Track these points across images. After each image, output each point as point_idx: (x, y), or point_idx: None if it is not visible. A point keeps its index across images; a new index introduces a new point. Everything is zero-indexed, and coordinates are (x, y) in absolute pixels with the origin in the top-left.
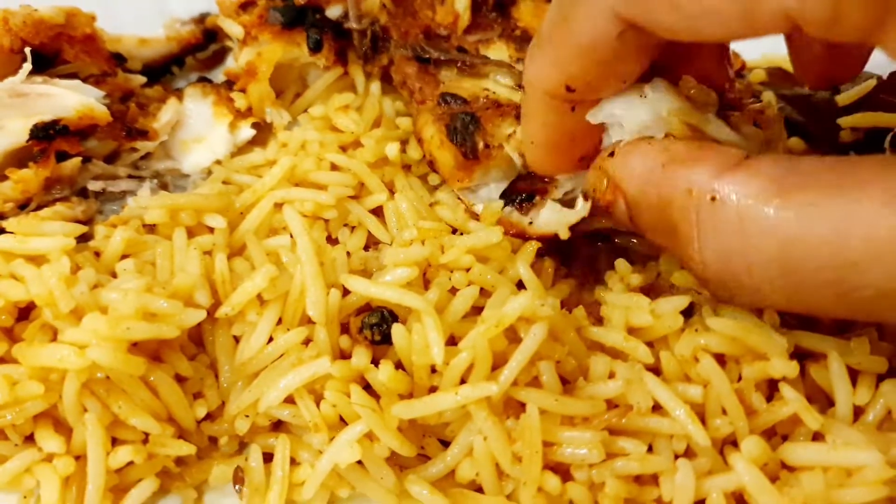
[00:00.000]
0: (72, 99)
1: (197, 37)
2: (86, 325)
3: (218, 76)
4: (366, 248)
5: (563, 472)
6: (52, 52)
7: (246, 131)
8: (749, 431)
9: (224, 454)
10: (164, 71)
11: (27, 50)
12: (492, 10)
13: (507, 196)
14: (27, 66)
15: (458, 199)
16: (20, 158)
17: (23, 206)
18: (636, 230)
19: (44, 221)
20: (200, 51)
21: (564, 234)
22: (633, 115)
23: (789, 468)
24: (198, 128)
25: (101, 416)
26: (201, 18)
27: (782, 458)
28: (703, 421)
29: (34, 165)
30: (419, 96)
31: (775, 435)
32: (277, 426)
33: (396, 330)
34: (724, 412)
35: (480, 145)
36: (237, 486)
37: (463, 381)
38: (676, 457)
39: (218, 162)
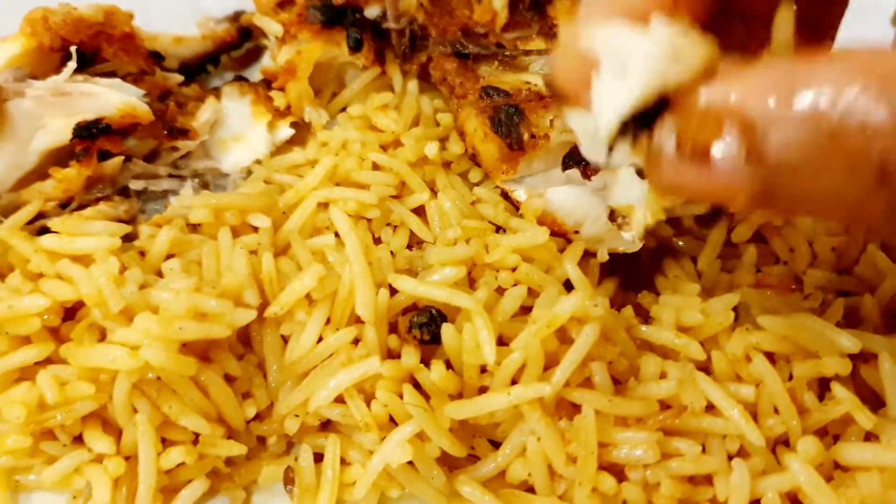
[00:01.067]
0: (114, 98)
1: (232, 35)
2: (137, 325)
3: (252, 75)
4: (408, 247)
5: (617, 472)
6: (90, 50)
7: (285, 130)
8: (801, 431)
9: (272, 454)
10: (199, 70)
11: (73, 49)
12: (528, 9)
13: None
14: (72, 65)
15: (502, 190)
16: (61, 157)
17: (64, 206)
18: (755, 185)
19: (88, 221)
20: (235, 49)
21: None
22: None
23: (843, 468)
24: (236, 127)
25: (152, 416)
26: (235, 17)
27: (836, 458)
28: (755, 420)
29: (77, 164)
30: (460, 90)
31: (826, 434)
32: (325, 426)
33: (446, 330)
34: (777, 411)
35: (525, 136)
36: (288, 487)
37: (513, 382)
38: (730, 457)
39: (258, 161)
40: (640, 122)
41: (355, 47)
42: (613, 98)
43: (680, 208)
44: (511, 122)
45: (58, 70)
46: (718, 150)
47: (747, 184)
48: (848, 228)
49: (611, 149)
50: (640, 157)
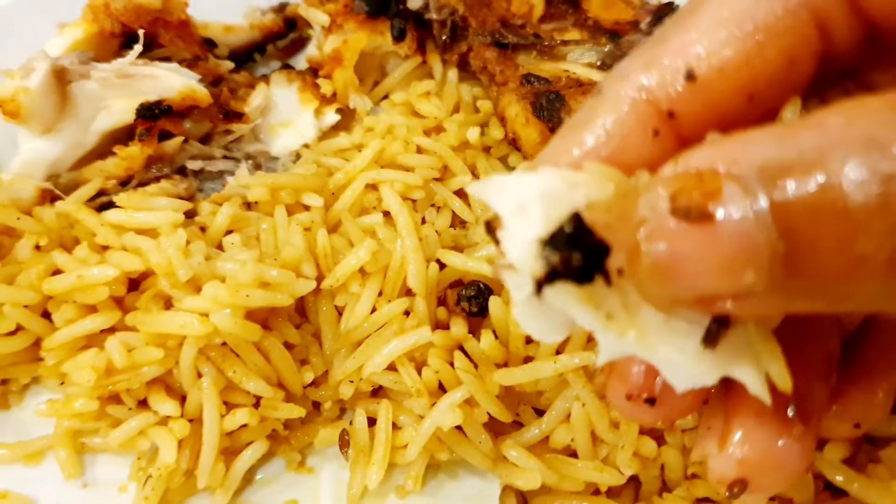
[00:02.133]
0: (175, 81)
1: (279, 25)
2: (206, 293)
3: (296, 63)
4: (451, 227)
5: (657, 436)
6: (148, 36)
7: (331, 116)
8: None
9: (327, 419)
10: (246, 58)
11: (140, 31)
12: (563, 2)
13: None
14: (138, 48)
15: None
16: (119, 139)
17: (123, 184)
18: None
19: (152, 197)
20: (281, 39)
21: None
22: None
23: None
24: (285, 112)
25: (216, 380)
26: (281, 7)
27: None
28: None
29: (139, 143)
30: (500, 78)
31: None
32: (377, 392)
33: (494, 302)
34: None
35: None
36: (343, 449)
37: (557, 353)
38: None
39: (306, 145)
40: (582, 267)
41: (399, 37)
42: (518, 234)
43: None
44: (553, 107)
45: (118, 54)
46: (719, 206)
47: (763, 242)
48: None
49: (540, 288)
50: (589, 304)
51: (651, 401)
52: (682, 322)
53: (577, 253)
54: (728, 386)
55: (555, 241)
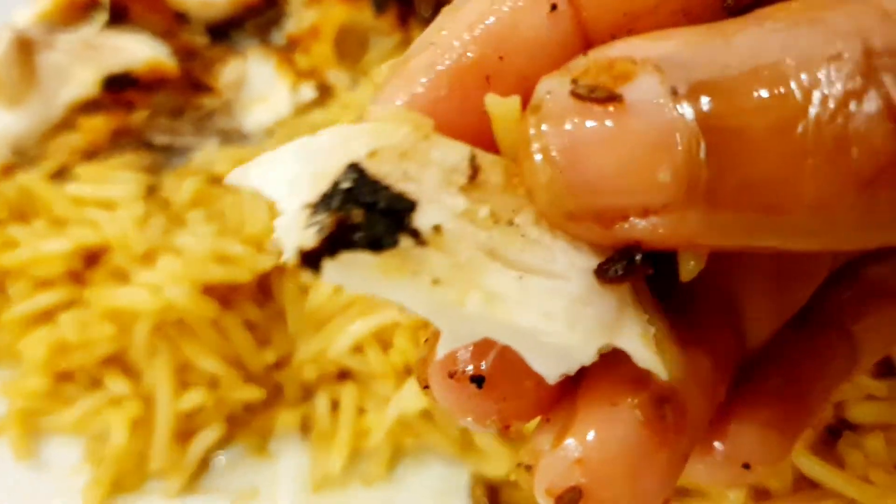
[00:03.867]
0: (143, 51)
1: None
2: (161, 266)
3: (276, 40)
4: None
5: None
6: (118, 7)
7: (307, 92)
8: None
9: (290, 402)
10: (223, 33)
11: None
12: None
13: None
14: (102, 16)
15: None
16: (86, 112)
17: (88, 159)
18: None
19: (114, 170)
20: (259, 14)
21: None
22: None
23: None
24: (260, 88)
25: (171, 358)
26: None
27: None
28: None
29: (104, 115)
30: None
31: None
32: (343, 376)
33: None
34: None
35: None
36: (304, 433)
37: None
38: None
39: (280, 122)
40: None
41: (380, 10)
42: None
43: None
44: None
45: (86, 25)
46: (631, 89)
47: (681, 132)
48: None
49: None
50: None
51: (478, 380)
52: (556, 269)
53: (359, 209)
54: (579, 373)
55: (328, 201)
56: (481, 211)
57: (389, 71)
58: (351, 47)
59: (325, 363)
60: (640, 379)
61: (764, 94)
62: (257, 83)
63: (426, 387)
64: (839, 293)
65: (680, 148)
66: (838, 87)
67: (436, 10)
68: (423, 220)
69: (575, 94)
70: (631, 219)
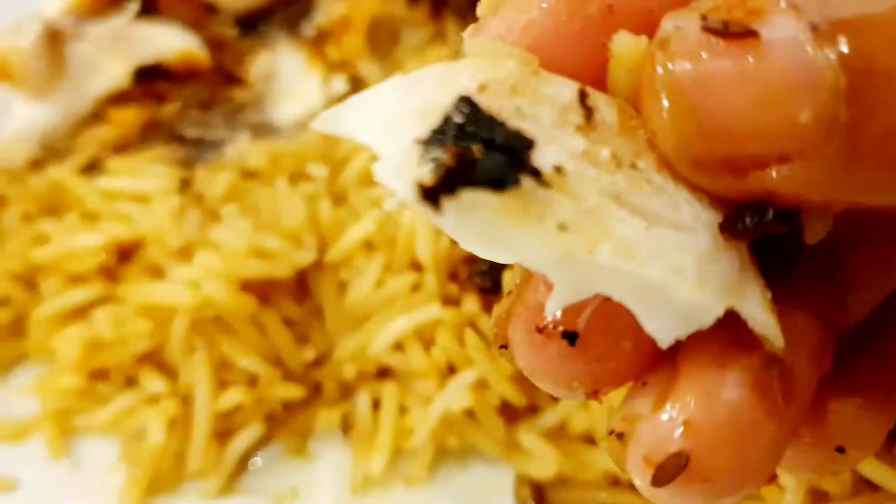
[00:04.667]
0: (174, 42)
1: None
2: (198, 261)
3: (305, 31)
4: None
5: None
6: None
7: (339, 85)
8: None
9: (329, 401)
10: (252, 25)
11: None
12: None
13: None
14: (134, 6)
15: None
16: (116, 104)
17: (119, 152)
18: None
19: (146, 163)
20: (288, 5)
21: None
22: None
23: None
24: (290, 81)
25: (209, 356)
26: None
27: None
28: None
29: (135, 107)
30: None
31: None
32: (383, 374)
33: (507, 277)
34: None
35: None
36: (345, 433)
37: None
38: None
39: (311, 115)
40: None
41: (413, 1)
42: (393, 150)
43: None
44: None
45: (116, 16)
46: (766, 24)
47: (823, 68)
48: None
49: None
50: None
51: (571, 336)
52: (683, 220)
53: (478, 144)
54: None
55: (441, 136)
56: (603, 152)
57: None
58: (383, 39)
59: (365, 361)
60: (748, 344)
61: None
62: (288, 76)
63: (503, 346)
64: None
65: (823, 88)
66: None
67: (470, 1)
68: (543, 159)
69: (707, 29)
70: (766, 168)
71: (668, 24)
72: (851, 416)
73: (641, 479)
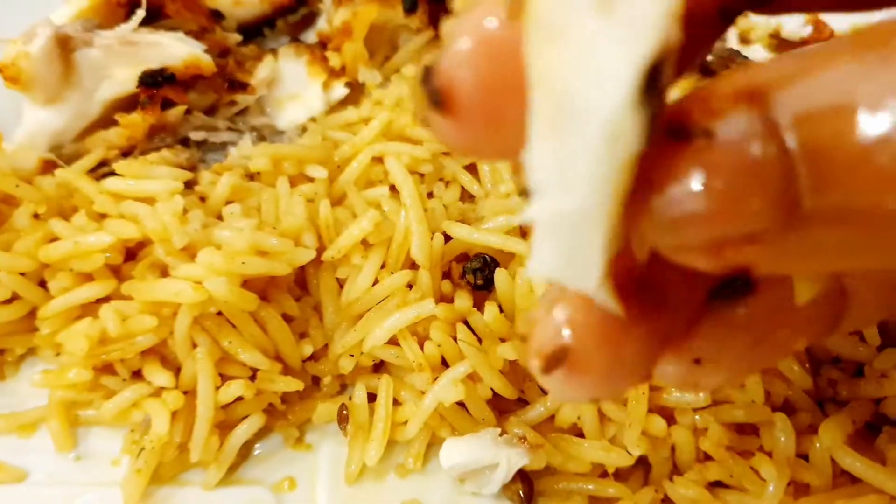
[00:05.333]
0: (179, 49)
1: None
2: (201, 259)
3: (307, 39)
4: (459, 201)
5: (667, 416)
6: (154, 6)
7: (339, 90)
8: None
9: (326, 394)
10: (256, 32)
11: None
12: None
13: None
14: (141, 13)
15: None
16: (124, 109)
17: (126, 155)
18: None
19: (152, 165)
20: (291, 13)
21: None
22: None
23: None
24: (292, 86)
25: (211, 350)
26: None
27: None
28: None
29: (141, 112)
30: None
31: None
32: (378, 368)
33: (499, 275)
34: None
35: None
36: (341, 425)
37: None
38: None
39: (312, 119)
40: None
41: (410, 9)
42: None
43: None
44: None
45: (124, 23)
46: (724, 124)
47: (770, 160)
48: None
49: None
50: None
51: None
52: None
53: None
54: None
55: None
56: None
57: None
58: (381, 46)
59: (361, 356)
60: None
61: (855, 121)
62: (290, 81)
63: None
64: None
65: (774, 179)
66: None
67: None
68: None
69: (669, 130)
70: (739, 247)
71: None
72: (717, 338)
73: (535, 370)
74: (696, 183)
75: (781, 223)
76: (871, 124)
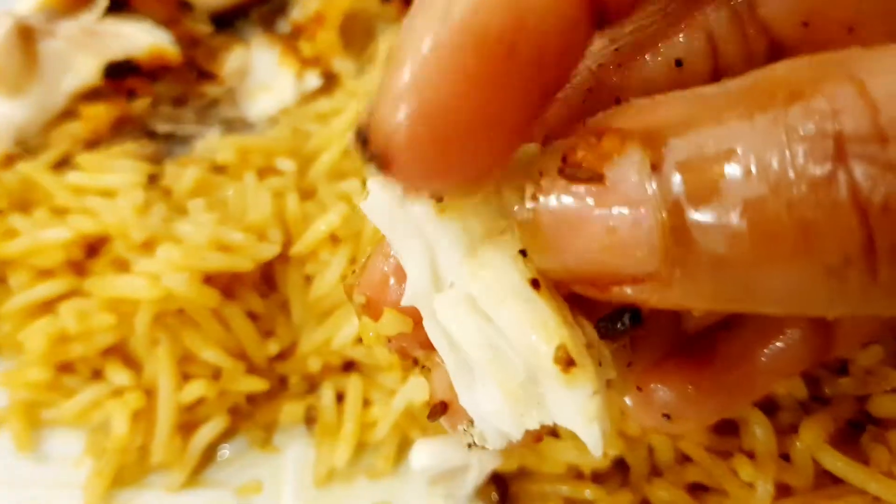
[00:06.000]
0: (144, 38)
1: None
2: (160, 255)
3: (281, 28)
4: None
5: None
6: None
7: (312, 80)
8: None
9: (294, 394)
10: (228, 22)
11: None
12: None
13: None
14: (102, 3)
15: None
16: (88, 100)
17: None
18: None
19: (115, 158)
20: (264, 2)
21: None
22: None
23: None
24: (264, 76)
25: (173, 349)
26: None
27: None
28: None
29: (105, 103)
30: None
31: None
32: (348, 367)
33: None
34: None
35: None
36: (309, 426)
37: None
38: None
39: (284, 111)
40: None
41: None
42: None
43: None
44: None
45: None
46: (614, 168)
47: (655, 207)
48: None
49: None
50: None
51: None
52: None
53: None
54: None
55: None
56: None
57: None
58: (357, 35)
59: (330, 354)
60: None
61: (737, 175)
62: (261, 71)
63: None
64: None
65: (655, 225)
66: (809, 173)
67: None
68: None
69: (563, 174)
70: (623, 285)
71: (536, 167)
72: (675, 395)
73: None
74: (584, 225)
75: (661, 269)
76: (741, 186)
